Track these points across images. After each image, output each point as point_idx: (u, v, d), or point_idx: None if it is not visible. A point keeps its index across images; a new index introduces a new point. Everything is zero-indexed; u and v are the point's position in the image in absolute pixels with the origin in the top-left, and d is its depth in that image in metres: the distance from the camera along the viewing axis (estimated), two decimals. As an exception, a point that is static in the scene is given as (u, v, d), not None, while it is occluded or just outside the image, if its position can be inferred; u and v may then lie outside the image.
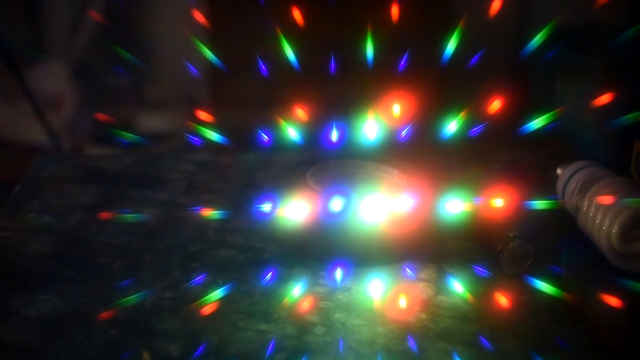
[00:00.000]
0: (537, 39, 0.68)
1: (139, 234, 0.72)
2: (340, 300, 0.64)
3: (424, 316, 0.63)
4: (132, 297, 0.62)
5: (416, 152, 0.79)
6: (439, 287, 0.66)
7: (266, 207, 0.68)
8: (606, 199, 0.67)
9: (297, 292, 0.64)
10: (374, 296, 0.65)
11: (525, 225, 0.71)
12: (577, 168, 0.78)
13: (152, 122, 2.26)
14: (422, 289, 0.66)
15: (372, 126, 0.75)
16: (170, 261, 0.68)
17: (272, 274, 0.66)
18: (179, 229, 0.73)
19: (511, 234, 0.68)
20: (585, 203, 0.73)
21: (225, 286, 0.65)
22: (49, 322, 0.60)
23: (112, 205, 0.76)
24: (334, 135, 0.74)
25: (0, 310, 0.61)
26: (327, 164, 0.75)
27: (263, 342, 0.59)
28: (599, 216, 0.71)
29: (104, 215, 0.71)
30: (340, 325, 0.61)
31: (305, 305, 0.63)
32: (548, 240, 0.74)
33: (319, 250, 0.68)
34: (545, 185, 0.80)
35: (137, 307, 0.62)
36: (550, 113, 0.72)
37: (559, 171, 0.80)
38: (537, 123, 0.74)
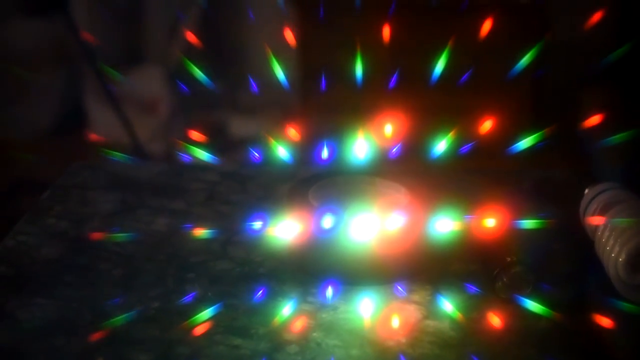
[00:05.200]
0: (528, 57, 0.65)
1: (147, 243, 0.74)
2: (323, 319, 0.63)
3: (403, 340, 0.61)
4: (120, 306, 0.64)
5: (438, 170, 0.77)
6: (429, 310, 0.65)
7: (258, 224, 0.68)
8: (596, 219, 0.64)
9: (281, 309, 0.64)
10: (358, 317, 0.64)
11: (531, 249, 0.68)
12: (601, 189, 0.74)
13: (243, 127, 2.31)
14: (410, 312, 0.65)
15: (389, 139, 0.74)
16: (167, 271, 0.70)
17: (262, 290, 0.67)
18: (186, 239, 0.74)
19: (509, 259, 0.66)
20: (601, 227, 0.69)
21: (213, 299, 0.66)
22: (38, 326, 0.62)
23: (129, 213, 0.79)
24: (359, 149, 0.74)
25: (-3, 312, 0.64)
26: (334, 180, 0.74)
27: (234, 357, 0.59)
28: (611, 241, 0.67)
29: (96, 236, 0.72)
30: (315, 345, 0.60)
31: (285, 322, 0.63)
32: (561, 266, 0.71)
33: (312, 267, 0.68)
34: (574, 205, 0.77)
35: (121, 316, 0.63)
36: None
37: (587, 191, 0.77)
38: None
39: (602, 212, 0.71)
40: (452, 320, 0.63)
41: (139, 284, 0.68)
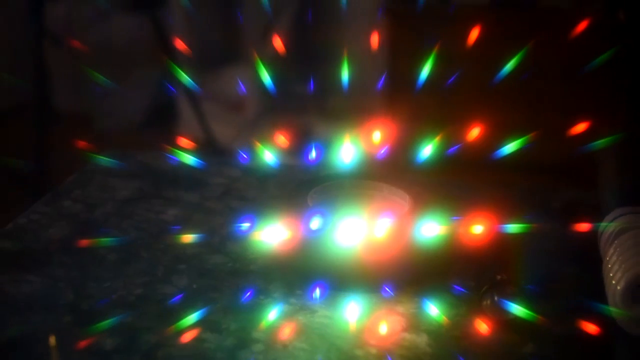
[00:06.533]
0: (513, 63, 0.61)
1: (150, 232, 0.75)
2: (298, 322, 0.62)
3: (373, 351, 0.59)
4: (104, 289, 0.65)
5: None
6: (411, 322, 0.62)
7: (245, 224, 0.68)
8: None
9: (259, 308, 0.63)
10: (335, 322, 0.62)
11: (540, 272, 0.65)
12: (620, 213, 0.69)
13: (330, 131, 2.31)
14: (390, 323, 0.62)
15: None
16: (160, 261, 0.70)
17: (247, 287, 0.66)
18: (188, 231, 0.74)
19: (499, 277, 0.62)
20: (610, 251, 0.65)
21: (197, 291, 0.65)
22: (20, 301, 0.64)
23: (143, 202, 0.80)
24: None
25: (-12, 285, 0.66)
26: (339, 183, 0.73)
27: (196, 350, 0.58)
28: (615, 267, 0.62)
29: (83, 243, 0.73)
30: (281, 347, 0.59)
31: (259, 321, 0.62)
32: (569, 294, 0.66)
33: (298, 268, 0.67)
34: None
35: (102, 299, 0.64)
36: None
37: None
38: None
39: (615, 237, 0.66)
40: (432, 336, 0.60)
41: (129, 270, 0.68)
